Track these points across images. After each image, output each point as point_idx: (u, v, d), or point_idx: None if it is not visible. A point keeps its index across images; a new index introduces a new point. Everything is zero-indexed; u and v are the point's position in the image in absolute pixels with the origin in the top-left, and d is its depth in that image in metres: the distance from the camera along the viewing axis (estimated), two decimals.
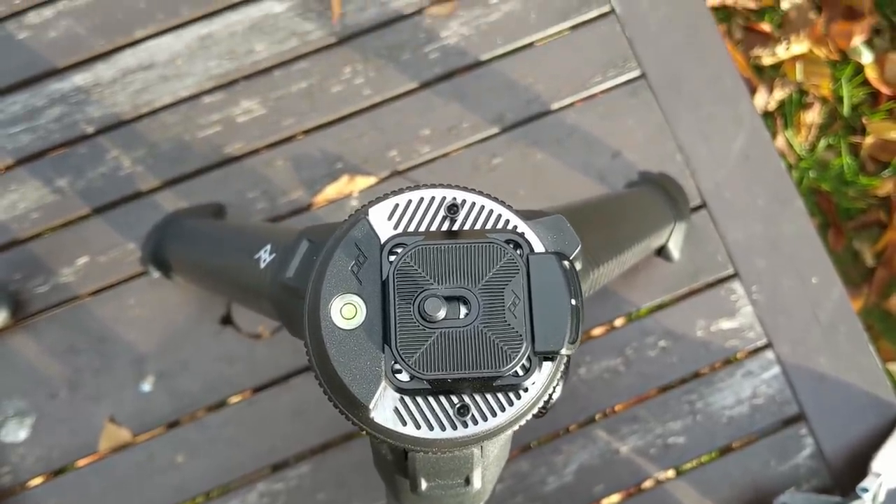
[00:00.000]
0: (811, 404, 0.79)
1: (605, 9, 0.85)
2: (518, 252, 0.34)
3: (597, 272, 0.48)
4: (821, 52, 1.39)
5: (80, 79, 0.83)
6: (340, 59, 0.83)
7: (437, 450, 0.34)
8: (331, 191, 0.81)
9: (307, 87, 0.83)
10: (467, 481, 0.40)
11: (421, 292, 0.33)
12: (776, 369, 0.79)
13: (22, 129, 0.83)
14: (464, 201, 0.35)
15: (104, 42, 0.84)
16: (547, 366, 0.34)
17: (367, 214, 0.35)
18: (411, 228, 0.35)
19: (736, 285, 0.81)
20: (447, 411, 0.33)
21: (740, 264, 0.81)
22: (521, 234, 0.35)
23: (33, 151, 0.82)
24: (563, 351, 0.33)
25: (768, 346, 0.80)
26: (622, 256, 0.54)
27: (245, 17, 0.84)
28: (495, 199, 0.35)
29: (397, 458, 0.39)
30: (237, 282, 0.51)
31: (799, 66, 1.38)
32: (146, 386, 0.79)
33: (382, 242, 0.34)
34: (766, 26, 1.39)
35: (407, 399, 0.33)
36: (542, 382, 0.34)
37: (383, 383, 0.33)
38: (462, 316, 0.33)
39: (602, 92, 0.84)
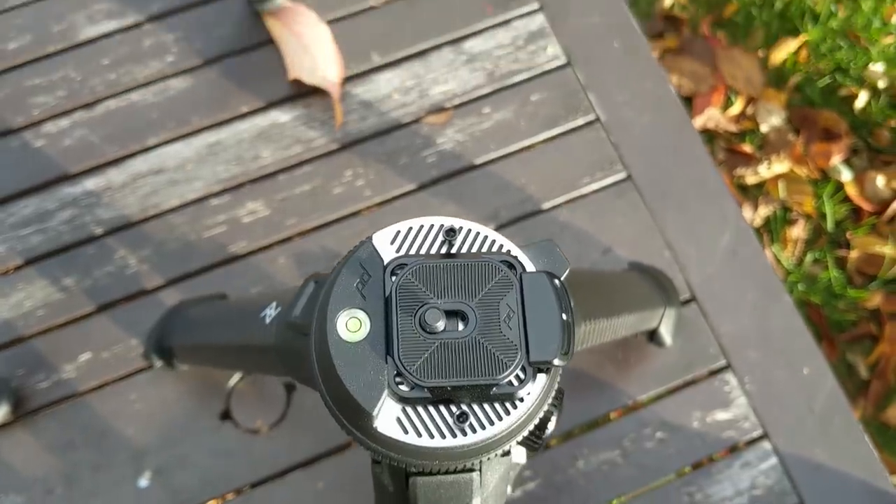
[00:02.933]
0: (810, 494, 0.78)
1: (591, 117, 0.90)
2: (512, 271, 0.36)
3: (588, 325, 0.50)
4: (802, 172, 1.44)
5: (91, 183, 0.87)
6: (342, 164, 0.88)
7: (439, 463, 0.35)
8: None
9: (310, 189, 0.87)
10: None
11: (421, 306, 0.35)
12: (773, 460, 0.80)
13: (33, 230, 0.86)
14: (461, 227, 0.38)
15: (117, 149, 0.88)
16: (541, 378, 0.35)
17: (371, 239, 0.37)
18: (412, 251, 0.37)
19: (729, 376, 0.82)
20: (447, 420, 0.35)
21: (733, 356, 0.83)
22: (515, 257, 0.37)
23: (42, 252, 0.85)
24: (556, 361, 0.35)
25: (764, 436, 0.80)
26: (614, 320, 0.55)
27: (252, 125, 0.89)
28: (489, 229, 0.38)
29: (398, 490, 0.40)
30: (244, 345, 0.53)
31: (781, 185, 1.43)
32: (143, 481, 0.79)
33: (385, 263, 0.36)
34: (747, 148, 1.45)
35: (408, 409, 0.35)
36: (536, 393, 0.35)
37: (386, 392, 0.34)
38: (460, 328, 0.35)
39: (591, 192, 0.88)
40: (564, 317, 0.35)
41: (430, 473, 0.39)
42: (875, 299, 1.36)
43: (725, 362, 0.83)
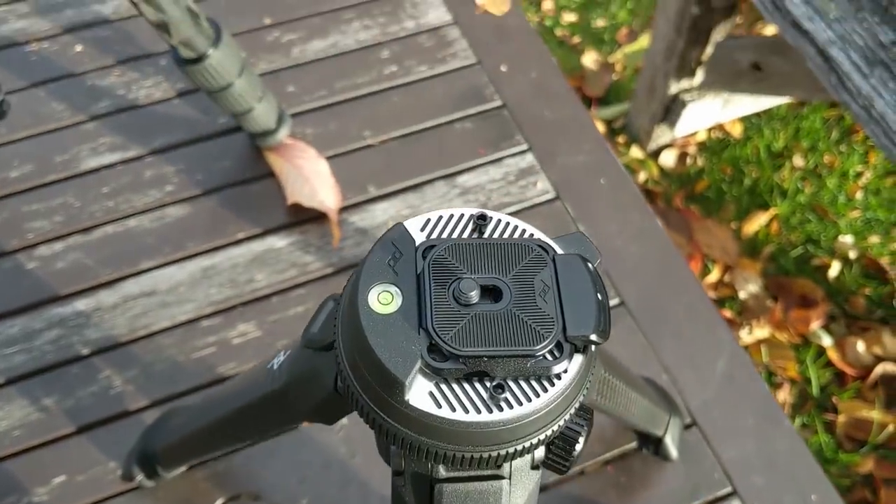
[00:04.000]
0: None
1: None
2: (545, 253, 0.36)
3: (608, 375, 0.48)
4: (783, 337, 1.46)
5: (81, 304, 0.86)
6: (337, 287, 0.87)
7: (468, 461, 0.33)
8: None
9: (303, 311, 0.86)
10: None
11: (455, 279, 0.34)
12: None
13: (17, 349, 0.83)
14: (492, 217, 0.38)
15: (110, 272, 0.88)
16: (578, 358, 0.34)
17: (403, 223, 0.37)
18: (444, 236, 0.37)
19: (736, 503, 0.79)
20: (481, 395, 0.33)
21: (738, 482, 0.80)
22: (546, 243, 0.37)
23: (25, 371, 0.82)
24: (593, 337, 0.34)
25: None
26: (629, 391, 0.54)
27: (248, 250, 0.89)
28: (519, 220, 0.38)
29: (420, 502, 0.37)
30: (247, 404, 0.50)
31: (764, 349, 1.44)
32: None
33: (417, 244, 0.36)
34: (727, 313, 1.47)
35: (442, 384, 0.33)
36: (573, 374, 0.34)
37: (419, 363, 0.33)
38: (495, 303, 0.34)
39: None
40: (600, 297, 0.35)
41: (457, 480, 0.37)
42: (867, 464, 1.33)
43: (731, 488, 0.80)
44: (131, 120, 0.96)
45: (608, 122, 1.68)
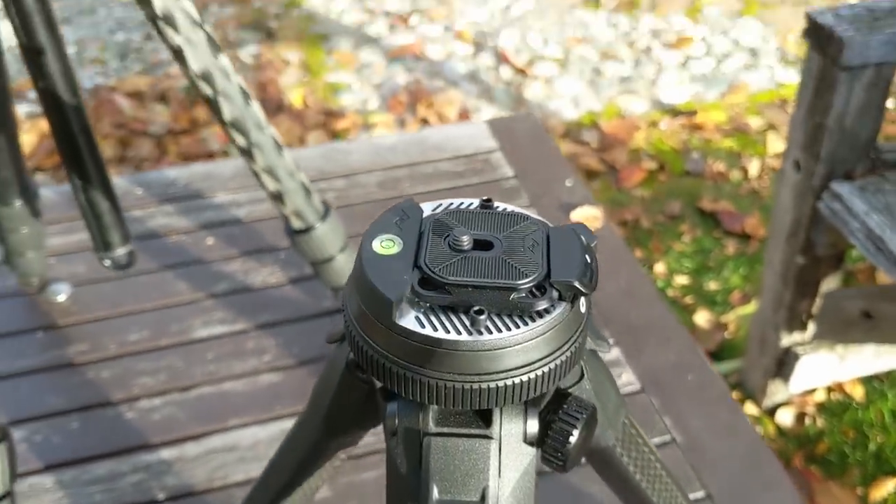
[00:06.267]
0: None
1: (667, 438, 0.89)
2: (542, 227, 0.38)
3: (627, 423, 0.47)
4: None
5: (167, 453, 0.89)
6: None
7: (451, 375, 0.34)
8: None
9: (375, 476, 0.86)
10: (483, 499, 0.36)
11: (451, 231, 0.37)
12: None
13: (100, 489, 0.86)
14: (497, 204, 0.41)
15: (199, 427, 0.92)
16: (563, 304, 0.35)
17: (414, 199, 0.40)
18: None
19: None
20: (464, 321, 0.34)
21: None
22: (545, 223, 0.39)
23: None
24: (576, 283, 0.35)
25: None
26: (654, 457, 0.51)
27: None
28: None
29: (412, 467, 0.37)
30: (292, 436, 0.51)
31: None
32: None
33: (425, 214, 0.39)
34: None
35: (429, 312, 0.35)
36: (556, 316, 0.35)
37: (409, 290, 0.35)
38: (486, 251, 0.37)
39: None
40: (588, 258, 0.37)
41: (446, 435, 0.37)
42: None
43: None
44: (244, 300, 1.05)
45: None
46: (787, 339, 1.52)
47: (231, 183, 1.19)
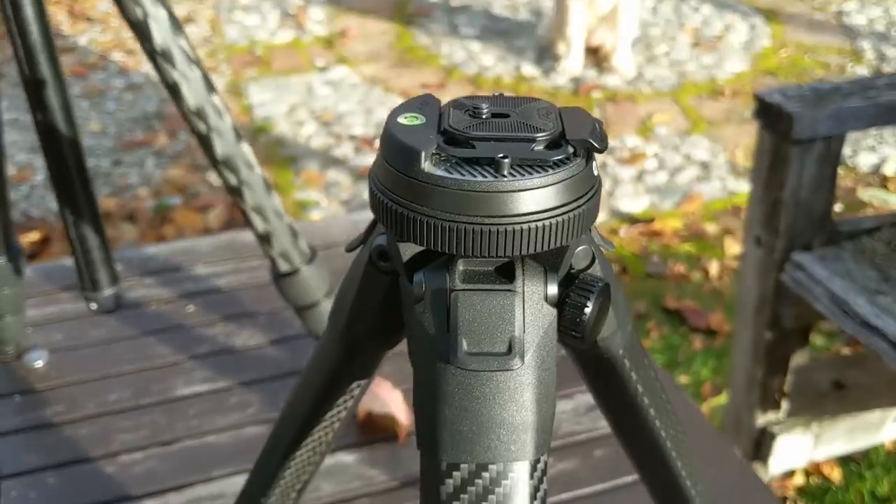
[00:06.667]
0: None
1: None
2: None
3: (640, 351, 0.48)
4: None
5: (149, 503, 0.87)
6: (401, 498, 0.86)
7: (478, 218, 0.36)
8: None
9: None
10: (510, 349, 0.37)
11: (470, 105, 0.40)
12: None
13: None
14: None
15: (182, 478, 0.89)
16: (578, 160, 0.38)
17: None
18: None
19: None
20: (488, 169, 0.37)
21: None
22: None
23: None
24: (590, 139, 0.38)
25: None
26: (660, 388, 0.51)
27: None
28: None
29: (440, 327, 0.38)
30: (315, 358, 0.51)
31: None
32: None
33: (443, 105, 0.42)
34: None
35: (456, 165, 0.37)
36: (572, 170, 0.37)
37: (434, 146, 0.37)
38: (504, 118, 0.39)
39: None
40: (598, 126, 0.39)
41: (472, 290, 0.38)
42: None
43: None
44: (226, 361, 1.04)
45: None
46: (761, 419, 1.54)
47: (209, 257, 1.21)
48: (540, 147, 0.38)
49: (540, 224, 0.37)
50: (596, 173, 0.39)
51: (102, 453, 0.93)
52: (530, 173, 0.37)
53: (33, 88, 0.78)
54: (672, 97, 2.71)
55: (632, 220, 2.17)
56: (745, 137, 2.45)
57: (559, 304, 0.40)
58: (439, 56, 2.98)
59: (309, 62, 2.98)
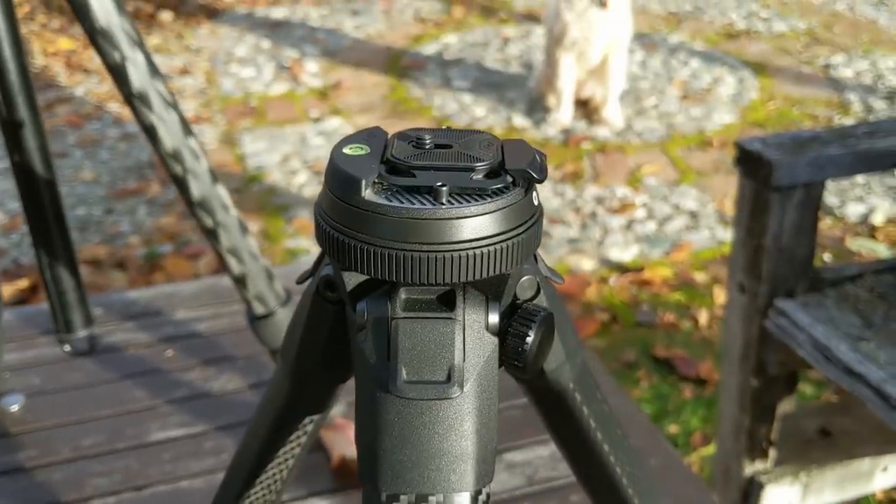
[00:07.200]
0: None
1: None
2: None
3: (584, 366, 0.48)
4: None
5: None
6: None
7: (417, 245, 0.36)
8: None
9: None
10: (449, 377, 0.37)
11: (414, 136, 0.40)
12: None
13: None
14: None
15: None
16: (517, 189, 0.38)
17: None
18: None
19: None
20: (428, 197, 0.37)
21: None
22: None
23: None
24: (528, 170, 0.38)
25: None
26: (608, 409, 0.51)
27: None
28: None
29: (380, 357, 0.38)
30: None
31: None
32: None
33: (390, 136, 0.42)
34: None
35: (396, 194, 0.37)
36: (510, 199, 0.38)
37: (375, 174, 0.38)
38: (446, 148, 0.40)
39: None
40: (538, 157, 0.40)
41: (412, 318, 0.38)
42: None
43: None
44: (203, 405, 1.04)
45: None
46: (749, 468, 1.52)
47: (191, 301, 1.21)
48: (479, 176, 0.38)
49: (478, 251, 0.37)
50: (536, 203, 0.40)
51: (75, 498, 0.92)
52: (468, 201, 0.37)
53: (11, 130, 0.79)
54: (661, 148, 2.73)
55: (621, 268, 2.18)
56: (733, 187, 2.46)
57: (501, 333, 0.40)
58: (432, 108, 3.02)
59: (303, 113, 3.01)
